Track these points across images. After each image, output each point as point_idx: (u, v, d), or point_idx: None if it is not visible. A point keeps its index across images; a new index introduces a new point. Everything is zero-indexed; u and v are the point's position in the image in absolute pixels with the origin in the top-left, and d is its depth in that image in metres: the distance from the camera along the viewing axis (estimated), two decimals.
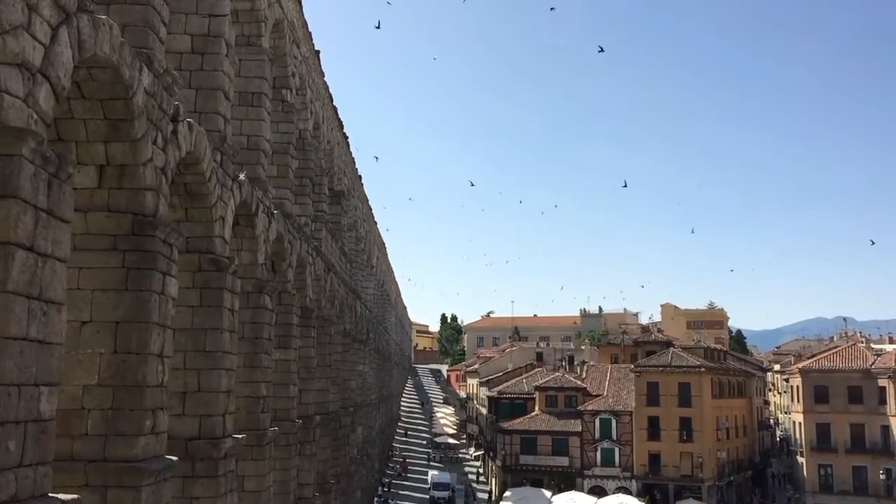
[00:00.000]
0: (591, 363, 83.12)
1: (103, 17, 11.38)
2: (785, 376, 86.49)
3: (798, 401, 74.34)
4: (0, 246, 8.53)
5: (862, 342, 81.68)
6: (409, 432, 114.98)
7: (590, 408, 71.19)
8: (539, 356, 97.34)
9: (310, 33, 31.81)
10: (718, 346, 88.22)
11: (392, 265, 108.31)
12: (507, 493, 64.65)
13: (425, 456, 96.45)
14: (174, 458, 14.22)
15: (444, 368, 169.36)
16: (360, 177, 56.99)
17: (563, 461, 70.23)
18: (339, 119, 42.92)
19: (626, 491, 66.40)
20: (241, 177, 19.79)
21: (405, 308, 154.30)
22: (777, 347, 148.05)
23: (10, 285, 8.57)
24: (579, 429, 70.42)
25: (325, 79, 36.95)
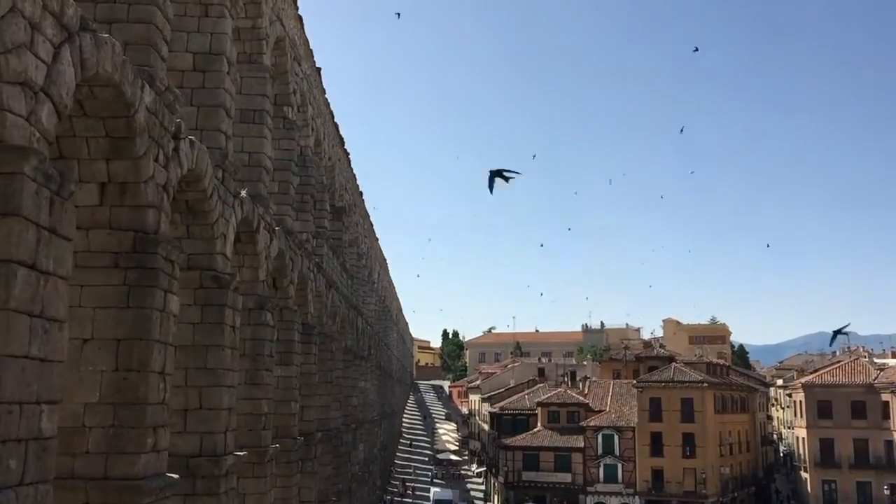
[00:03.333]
0: (593, 379, 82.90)
1: (105, 35, 11.45)
2: (788, 391, 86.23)
3: (801, 416, 74.06)
4: (2, 264, 8.55)
5: (864, 357, 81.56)
6: (413, 443, 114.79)
7: (592, 423, 70.90)
8: (541, 372, 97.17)
9: (311, 51, 31.99)
10: (721, 362, 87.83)
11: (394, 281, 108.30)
12: None
13: (427, 473, 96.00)
14: (175, 476, 14.20)
15: (445, 384, 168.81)
16: (361, 193, 57.12)
17: (566, 477, 69.90)
18: (340, 135, 43.07)
19: None
20: (243, 193, 19.84)
21: (407, 324, 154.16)
22: (780, 362, 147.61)
23: (11, 303, 8.58)
24: (582, 445, 70.14)
25: (327, 96, 37.13)
